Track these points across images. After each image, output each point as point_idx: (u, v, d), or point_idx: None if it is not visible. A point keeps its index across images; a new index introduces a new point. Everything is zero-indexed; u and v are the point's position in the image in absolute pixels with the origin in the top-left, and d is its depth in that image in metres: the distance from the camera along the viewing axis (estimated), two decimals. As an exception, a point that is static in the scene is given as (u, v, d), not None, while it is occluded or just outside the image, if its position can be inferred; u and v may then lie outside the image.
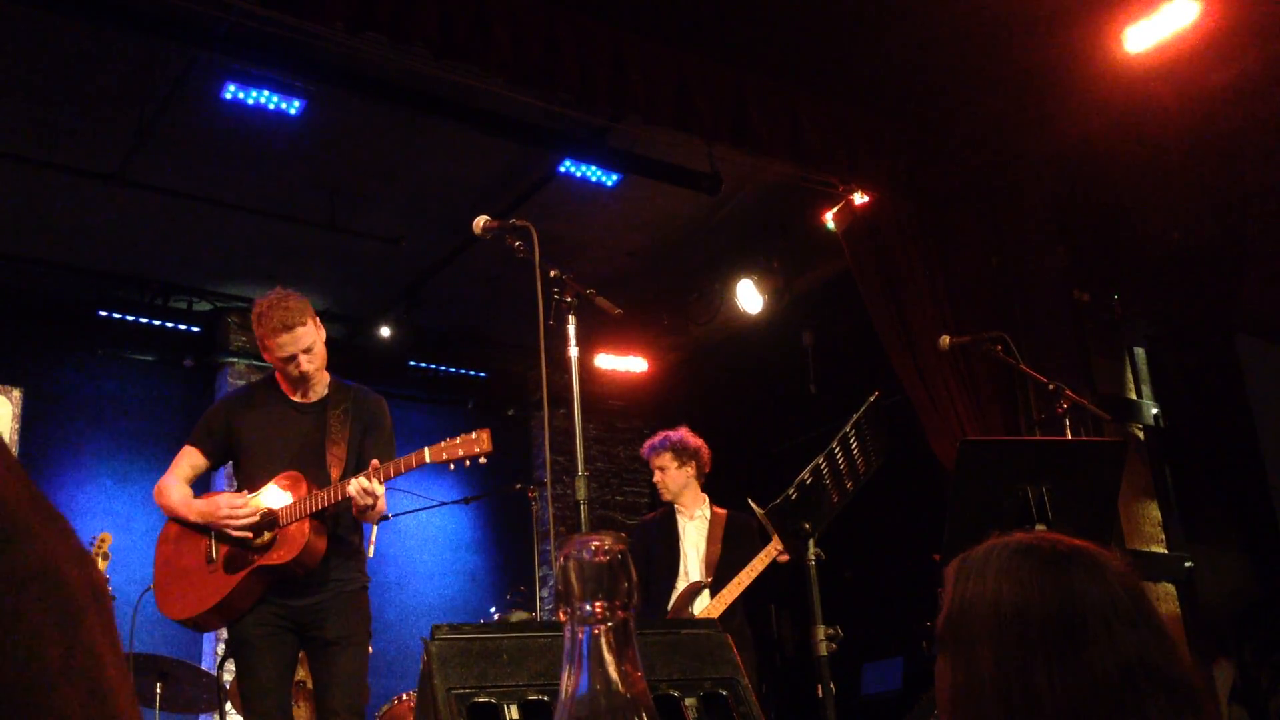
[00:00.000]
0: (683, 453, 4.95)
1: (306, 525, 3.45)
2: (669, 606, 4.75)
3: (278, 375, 3.72)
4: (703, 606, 4.66)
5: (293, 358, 3.54)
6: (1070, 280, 5.77)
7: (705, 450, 5.03)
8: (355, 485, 3.37)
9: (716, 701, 2.28)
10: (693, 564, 4.84)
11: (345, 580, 3.58)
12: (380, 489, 3.41)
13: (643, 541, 5.00)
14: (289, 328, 3.50)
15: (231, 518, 3.50)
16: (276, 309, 3.51)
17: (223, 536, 3.55)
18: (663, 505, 5.11)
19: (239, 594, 3.46)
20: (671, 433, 5.04)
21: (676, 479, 4.94)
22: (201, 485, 5.70)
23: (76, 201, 6.13)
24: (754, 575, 4.55)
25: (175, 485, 3.64)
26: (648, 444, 5.08)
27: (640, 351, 8.47)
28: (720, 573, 4.71)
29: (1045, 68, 5.28)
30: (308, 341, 3.55)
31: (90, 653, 0.51)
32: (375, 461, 3.43)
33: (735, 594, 4.56)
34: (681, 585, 4.78)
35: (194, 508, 3.60)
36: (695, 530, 4.94)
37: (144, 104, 5.30)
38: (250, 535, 3.51)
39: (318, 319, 3.66)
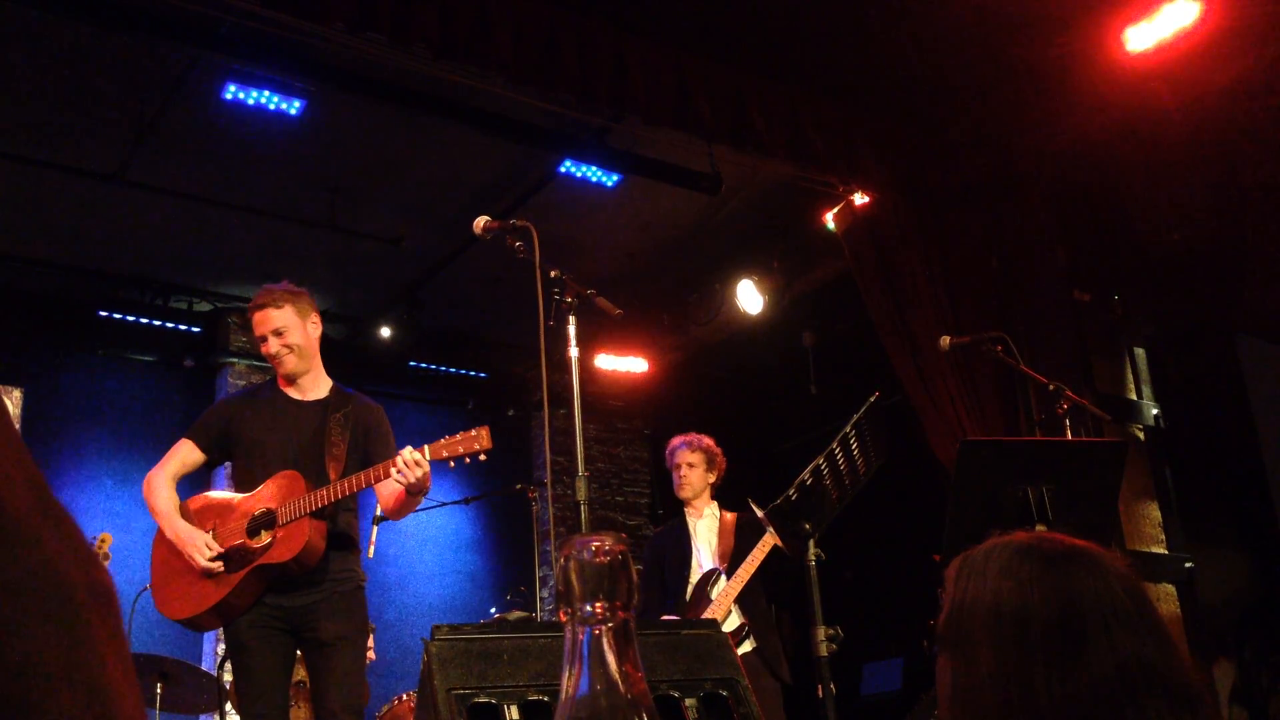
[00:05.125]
0: (712, 460, 5.08)
1: (306, 524, 3.43)
2: (687, 597, 4.79)
3: (278, 375, 3.77)
4: (720, 590, 4.71)
5: (263, 338, 3.68)
6: (1070, 280, 5.77)
7: (725, 466, 5.16)
8: (402, 459, 3.34)
9: (716, 702, 2.28)
10: (705, 556, 4.92)
11: (341, 579, 3.57)
12: (426, 462, 3.39)
13: (657, 550, 5.11)
14: (260, 307, 3.68)
15: (197, 562, 3.48)
16: (260, 292, 3.72)
17: (219, 537, 3.55)
18: (678, 513, 5.17)
19: (238, 593, 3.46)
20: (703, 437, 5.13)
21: (701, 480, 5.03)
22: (202, 485, 5.71)
23: (76, 201, 6.13)
24: (756, 563, 4.62)
25: (163, 488, 3.63)
26: (681, 439, 5.13)
27: (640, 352, 8.46)
28: (735, 561, 4.77)
29: (1045, 68, 5.28)
30: (277, 323, 3.65)
31: (92, 657, 0.51)
32: (409, 448, 3.41)
33: (750, 571, 4.63)
34: (695, 577, 4.83)
35: (175, 526, 3.56)
36: (705, 528, 5.01)
37: (144, 104, 5.30)
38: (246, 540, 3.51)
39: (310, 314, 3.75)
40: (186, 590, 3.53)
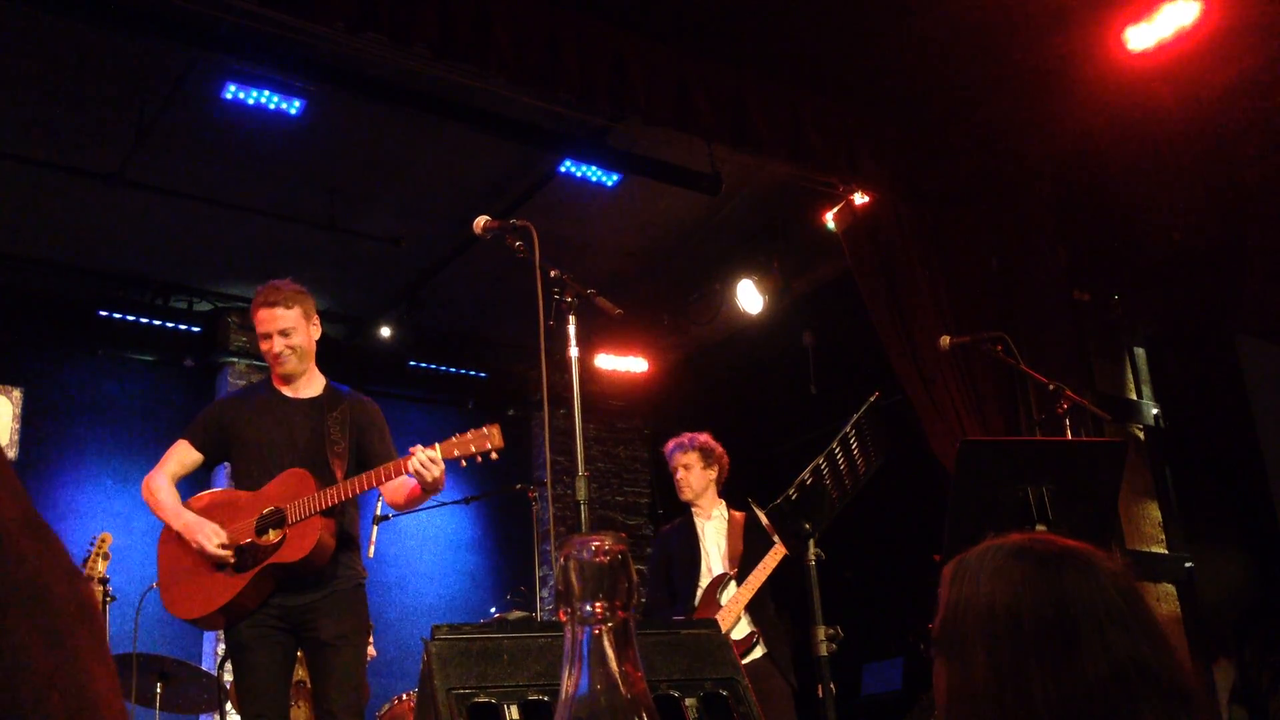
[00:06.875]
0: (709, 456, 4.99)
1: (318, 522, 3.42)
2: (696, 601, 4.76)
3: (273, 374, 3.76)
4: (730, 596, 4.67)
5: (267, 336, 3.65)
6: (1070, 280, 5.77)
7: (727, 459, 5.07)
8: (418, 459, 3.37)
9: (716, 701, 2.28)
10: (715, 560, 4.86)
11: (342, 578, 3.56)
12: (441, 460, 3.41)
13: (664, 549, 5.04)
14: (270, 304, 3.64)
15: (206, 548, 3.46)
16: (267, 288, 3.69)
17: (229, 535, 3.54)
18: (678, 513, 5.14)
19: (248, 593, 3.44)
20: (698, 435, 5.05)
21: (700, 479, 4.96)
22: (203, 484, 5.71)
23: (76, 201, 6.13)
24: (766, 573, 4.59)
25: (164, 485, 3.61)
26: (674, 441, 5.06)
27: (640, 352, 8.47)
28: (745, 565, 4.72)
29: (1045, 68, 5.28)
30: (285, 324, 3.64)
31: (78, 667, 0.53)
32: (420, 446, 3.43)
33: (761, 579, 4.59)
34: (705, 581, 4.79)
35: (181, 518, 3.55)
36: (714, 529, 4.94)
37: (144, 104, 5.30)
38: (255, 538, 3.49)
39: (313, 315, 3.75)
40: (195, 590, 3.51)
